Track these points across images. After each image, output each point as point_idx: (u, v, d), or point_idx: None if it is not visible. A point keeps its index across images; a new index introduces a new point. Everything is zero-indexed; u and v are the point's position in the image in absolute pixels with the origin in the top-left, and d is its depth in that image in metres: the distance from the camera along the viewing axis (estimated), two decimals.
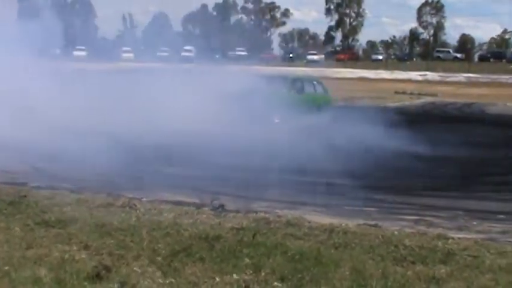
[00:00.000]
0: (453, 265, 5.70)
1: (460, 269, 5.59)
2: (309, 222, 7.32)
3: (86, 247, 5.84)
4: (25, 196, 8.04)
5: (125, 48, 61.96)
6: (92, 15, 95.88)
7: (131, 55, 63.95)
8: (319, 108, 22.25)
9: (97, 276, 4.96)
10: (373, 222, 7.63)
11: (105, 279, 4.93)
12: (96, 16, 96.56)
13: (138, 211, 7.53)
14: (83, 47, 56.57)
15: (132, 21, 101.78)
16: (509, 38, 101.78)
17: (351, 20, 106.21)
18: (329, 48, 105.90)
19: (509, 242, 7.00)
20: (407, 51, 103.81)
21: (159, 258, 5.50)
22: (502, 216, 8.57)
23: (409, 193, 10.00)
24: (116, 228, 6.55)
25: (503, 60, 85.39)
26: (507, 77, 65.71)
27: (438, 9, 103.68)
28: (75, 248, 5.82)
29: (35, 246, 5.80)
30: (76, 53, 64.80)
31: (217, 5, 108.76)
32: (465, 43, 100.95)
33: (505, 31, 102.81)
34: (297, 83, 22.96)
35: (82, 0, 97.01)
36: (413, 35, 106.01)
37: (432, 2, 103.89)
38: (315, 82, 24.64)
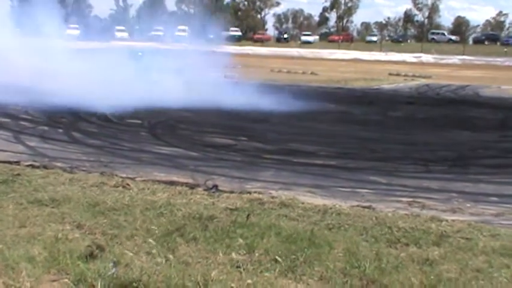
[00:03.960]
0: (446, 247, 5.72)
1: (453, 251, 5.61)
2: (303, 203, 7.33)
3: (79, 226, 5.84)
4: (18, 175, 8.03)
5: (118, 27, 61.73)
6: None
7: (125, 34, 63.70)
8: None
9: (90, 256, 4.96)
10: (366, 204, 7.64)
11: (98, 259, 4.93)
12: None
13: (131, 191, 7.53)
14: (76, 26, 56.23)
15: (126, 0, 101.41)
16: (504, 21, 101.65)
17: (346, 1, 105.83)
18: (323, 30, 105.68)
19: (503, 224, 7.03)
20: (401, 32, 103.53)
21: (153, 238, 5.49)
22: (495, 198, 8.59)
23: (403, 175, 9.99)
24: (109, 207, 6.55)
25: (498, 43, 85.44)
26: (501, 59, 65.88)
27: None
28: (68, 227, 5.82)
29: (28, 225, 5.80)
30: (69, 31, 64.15)
31: None
32: (460, 25, 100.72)
33: (499, 13, 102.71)
34: None
35: None
36: (408, 17, 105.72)
37: None
38: None
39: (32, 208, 6.41)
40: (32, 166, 8.99)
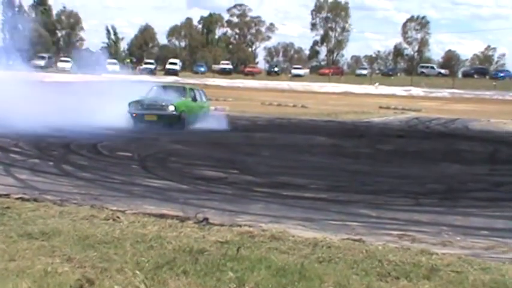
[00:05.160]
0: (437, 281, 5.71)
1: (443, 284, 5.60)
2: (293, 236, 7.31)
3: (69, 260, 5.80)
4: (8, 208, 7.98)
5: (110, 60, 61.80)
6: (78, 27, 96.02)
7: (117, 67, 63.77)
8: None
9: None
10: (357, 237, 7.63)
11: None
12: (82, 28, 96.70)
13: (121, 224, 7.49)
14: (68, 59, 56.51)
15: (117, 33, 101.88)
16: (493, 55, 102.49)
17: (336, 34, 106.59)
18: (314, 63, 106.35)
19: (493, 258, 7.03)
20: (391, 66, 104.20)
21: (143, 271, 5.46)
22: (485, 232, 8.59)
23: (393, 208, 10.00)
24: (99, 240, 6.52)
25: (487, 77, 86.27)
26: (490, 93, 66.62)
27: (423, 25, 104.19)
28: (58, 260, 5.77)
29: (17, 259, 5.75)
30: (60, 64, 64.44)
31: (202, 18, 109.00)
32: (450, 59, 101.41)
33: (488, 48, 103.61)
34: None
35: (68, 11, 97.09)
36: (397, 51, 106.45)
37: (417, 18, 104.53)
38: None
39: (22, 241, 6.37)
40: (22, 199, 8.95)
